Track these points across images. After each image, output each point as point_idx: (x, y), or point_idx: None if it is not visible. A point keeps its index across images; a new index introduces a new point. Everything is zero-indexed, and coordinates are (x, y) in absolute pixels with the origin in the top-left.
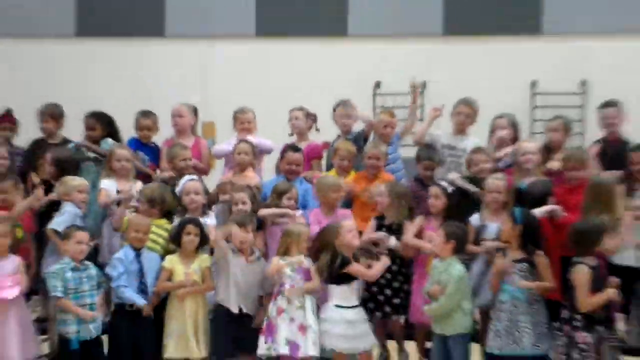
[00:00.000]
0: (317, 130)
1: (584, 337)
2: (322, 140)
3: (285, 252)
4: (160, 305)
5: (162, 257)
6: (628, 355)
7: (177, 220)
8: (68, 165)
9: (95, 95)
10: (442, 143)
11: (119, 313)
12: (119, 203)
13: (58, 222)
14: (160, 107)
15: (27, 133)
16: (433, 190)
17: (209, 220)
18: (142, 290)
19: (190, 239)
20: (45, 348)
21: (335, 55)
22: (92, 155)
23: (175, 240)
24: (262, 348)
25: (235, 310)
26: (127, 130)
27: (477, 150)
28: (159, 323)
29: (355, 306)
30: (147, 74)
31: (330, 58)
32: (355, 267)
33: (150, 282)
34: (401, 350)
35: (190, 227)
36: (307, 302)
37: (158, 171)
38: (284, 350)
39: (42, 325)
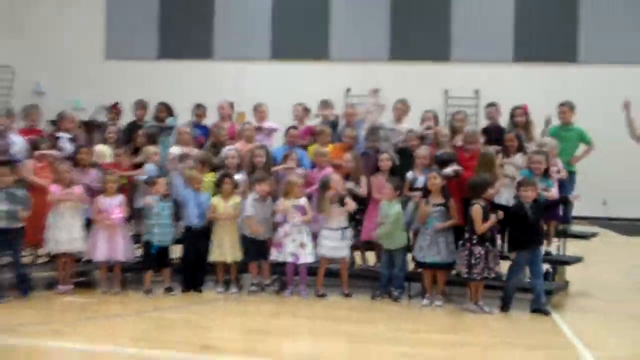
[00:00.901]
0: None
1: (479, 250)
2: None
3: (286, 194)
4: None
5: (211, 196)
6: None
7: (219, 174)
8: (152, 137)
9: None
10: (388, 127)
11: (187, 231)
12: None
13: (142, 176)
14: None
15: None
16: (384, 155)
17: (240, 176)
18: (199, 216)
19: (227, 186)
20: (138, 252)
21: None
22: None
23: (218, 186)
24: (273, 255)
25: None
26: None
27: (410, 131)
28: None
29: (344, 228)
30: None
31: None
32: (349, 202)
33: (203, 211)
34: (363, 257)
35: (226, 179)
36: (304, 228)
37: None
38: (291, 258)
39: (137, 238)
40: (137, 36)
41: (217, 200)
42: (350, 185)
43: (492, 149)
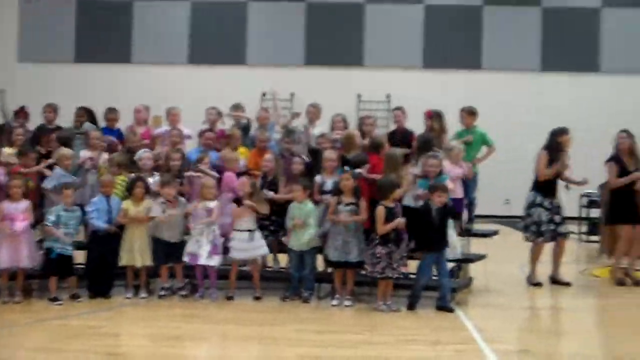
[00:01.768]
0: (223, 123)
1: (380, 250)
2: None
3: (201, 196)
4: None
5: (122, 200)
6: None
7: (130, 177)
8: (65, 141)
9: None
10: (301, 130)
11: (92, 236)
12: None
13: (49, 180)
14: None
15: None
16: (296, 159)
17: (153, 179)
18: (109, 221)
19: (138, 190)
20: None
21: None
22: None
23: (129, 190)
24: (186, 257)
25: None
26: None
27: (322, 135)
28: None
29: (251, 230)
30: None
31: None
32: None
33: (114, 216)
34: (274, 259)
35: (139, 183)
36: (208, 230)
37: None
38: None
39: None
40: (53, 39)
41: (127, 204)
42: (269, 193)
43: (400, 151)
